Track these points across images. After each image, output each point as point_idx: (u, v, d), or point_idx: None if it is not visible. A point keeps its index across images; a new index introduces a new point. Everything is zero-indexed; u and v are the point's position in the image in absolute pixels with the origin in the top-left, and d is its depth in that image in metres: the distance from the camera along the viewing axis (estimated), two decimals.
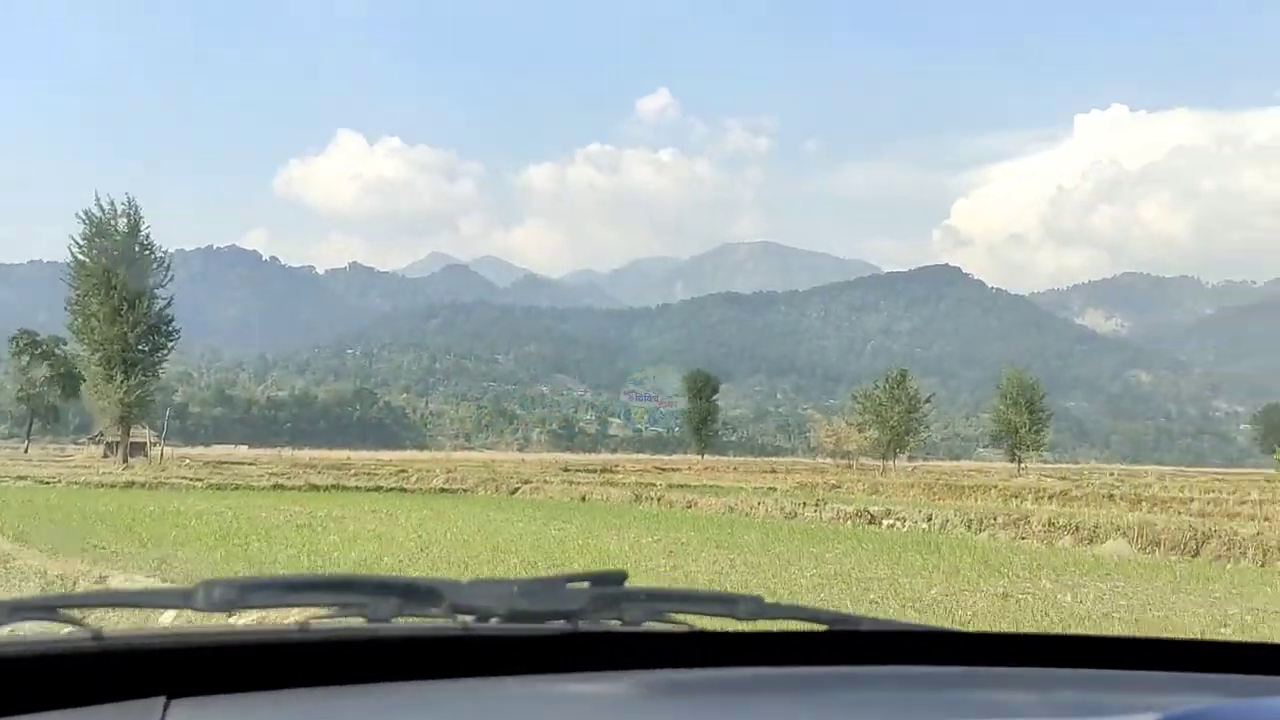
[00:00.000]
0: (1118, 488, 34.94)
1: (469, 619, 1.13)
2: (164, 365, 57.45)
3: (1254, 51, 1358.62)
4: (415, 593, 1.13)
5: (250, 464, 59.11)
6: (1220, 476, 76.33)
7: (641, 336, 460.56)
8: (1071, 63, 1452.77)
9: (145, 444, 69.50)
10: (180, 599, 1.09)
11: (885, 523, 21.59)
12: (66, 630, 1.02)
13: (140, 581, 8.46)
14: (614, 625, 1.18)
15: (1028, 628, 9.16)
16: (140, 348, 52.45)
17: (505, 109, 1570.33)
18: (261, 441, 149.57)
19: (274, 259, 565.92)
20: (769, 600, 1.18)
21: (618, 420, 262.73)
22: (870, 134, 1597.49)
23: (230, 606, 1.08)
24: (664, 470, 64.06)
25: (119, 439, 57.63)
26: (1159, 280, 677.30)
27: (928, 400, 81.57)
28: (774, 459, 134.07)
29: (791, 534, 18.62)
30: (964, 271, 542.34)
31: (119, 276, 50.46)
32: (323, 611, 1.14)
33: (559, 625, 1.13)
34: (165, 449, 74.61)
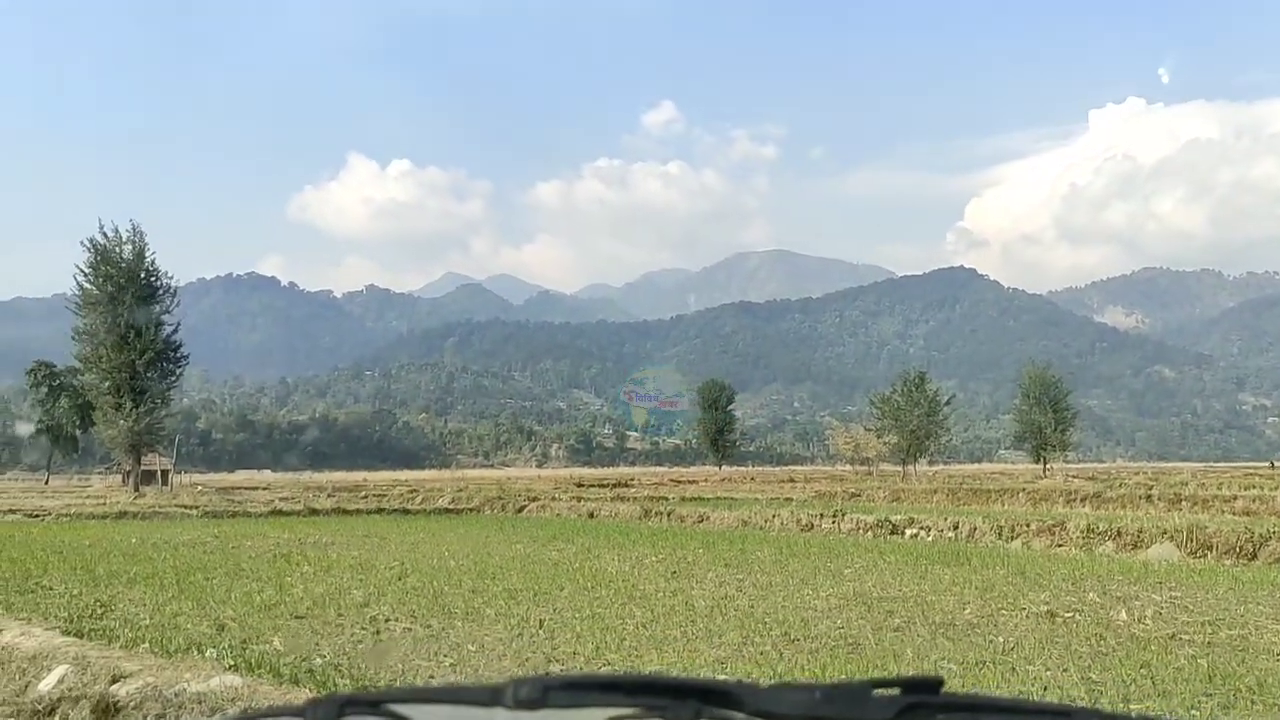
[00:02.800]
0: (1152, 487, 33.34)
1: None
2: (174, 392, 56.48)
3: (1270, 40, 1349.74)
4: (713, 695, 1.10)
5: (264, 489, 58.16)
6: (1254, 471, 74.33)
7: (656, 349, 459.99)
8: (1085, 57, 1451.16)
9: (157, 471, 68.73)
10: (489, 695, 1.12)
11: (909, 533, 20.32)
12: None
13: (37, 634, 7.22)
14: None
15: (1083, 653, 7.81)
16: (149, 375, 51.45)
17: (511, 127, 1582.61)
18: (284, 465, 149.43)
19: (292, 284, 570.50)
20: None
21: (635, 433, 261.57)
22: (879, 137, 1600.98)
23: (534, 705, 1.10)
24: (680, 483, 62.90)
25: (132, 467, 56.85)
26: (1179, 275, 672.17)
27: (947, 402, 79.89)
28: (793, 468, 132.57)
29: (808, 548, 17.35)
30: (979, 273, 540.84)
31: (124, 304, 49.61)
32: (625, 712, 1.13)
33: None
34: (181, 476, 73.96)
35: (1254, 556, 15.05)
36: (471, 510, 32.66)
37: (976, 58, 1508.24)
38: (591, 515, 28.52)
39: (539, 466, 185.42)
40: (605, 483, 59.17)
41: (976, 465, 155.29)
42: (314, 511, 30.77)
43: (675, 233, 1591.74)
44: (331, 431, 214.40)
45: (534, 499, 33.71)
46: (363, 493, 44.04)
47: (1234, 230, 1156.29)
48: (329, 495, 40.29)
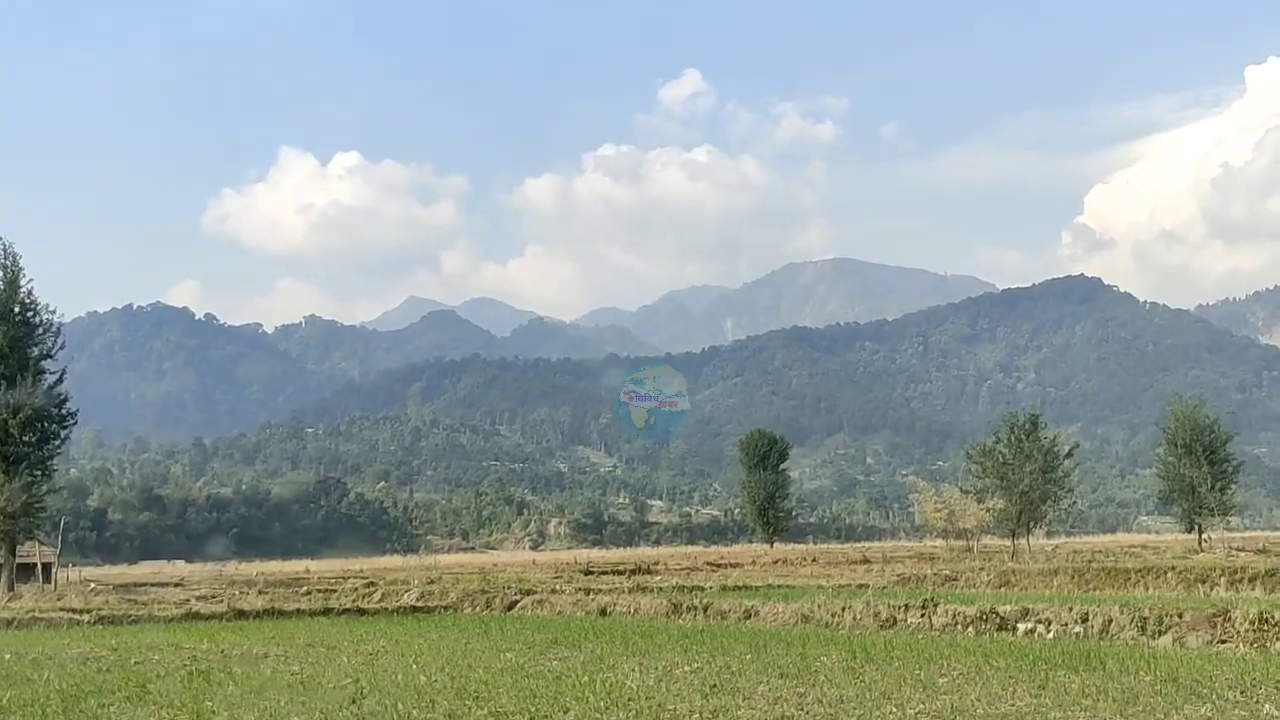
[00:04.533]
0: None
1: None
2: (57, 460, 56.95)
3: None
4: None
5: (176, 585, 58.52)
6: None
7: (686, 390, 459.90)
8: None
9: (37, 565, 69.02)
10: None
11: (1021, 628, 20.21)
12: None
13: None
14: None
15: None
16: (24, 439, 51.90)
17: (491, 106, 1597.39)
18: (202, 554, 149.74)
19: (210, 317, 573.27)
20: None
21: (660, 503, 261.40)
22: (972, 108, 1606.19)
23: None
24: (719, 567, 62.93)
25: (3, 561, 57.09)
26: None
27: (1069, 454, 79.58)
28: (867, 544, 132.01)
29: (890, 651, 17.27)
30: (1105, 283, 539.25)
31: None
32: None
33: None
34: (68, 571, 74.29)
35: None
36: (447, 608, 32.66)
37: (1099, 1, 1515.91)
38: (604, 612, 28.45)
39: (534, 548, 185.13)
40: (621, 568, 59.25)
41: (1110, 536, 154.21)
42: (241, 614, 30.91)
43: (706, 239, 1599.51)
44: (263, 508, 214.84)
45: (528, 591, 33.72)
46: (304, 587, 44.16)
47: None
48: (260, 592, 40.40)
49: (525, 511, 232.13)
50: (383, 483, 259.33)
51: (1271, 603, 20.66)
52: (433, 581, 44.17)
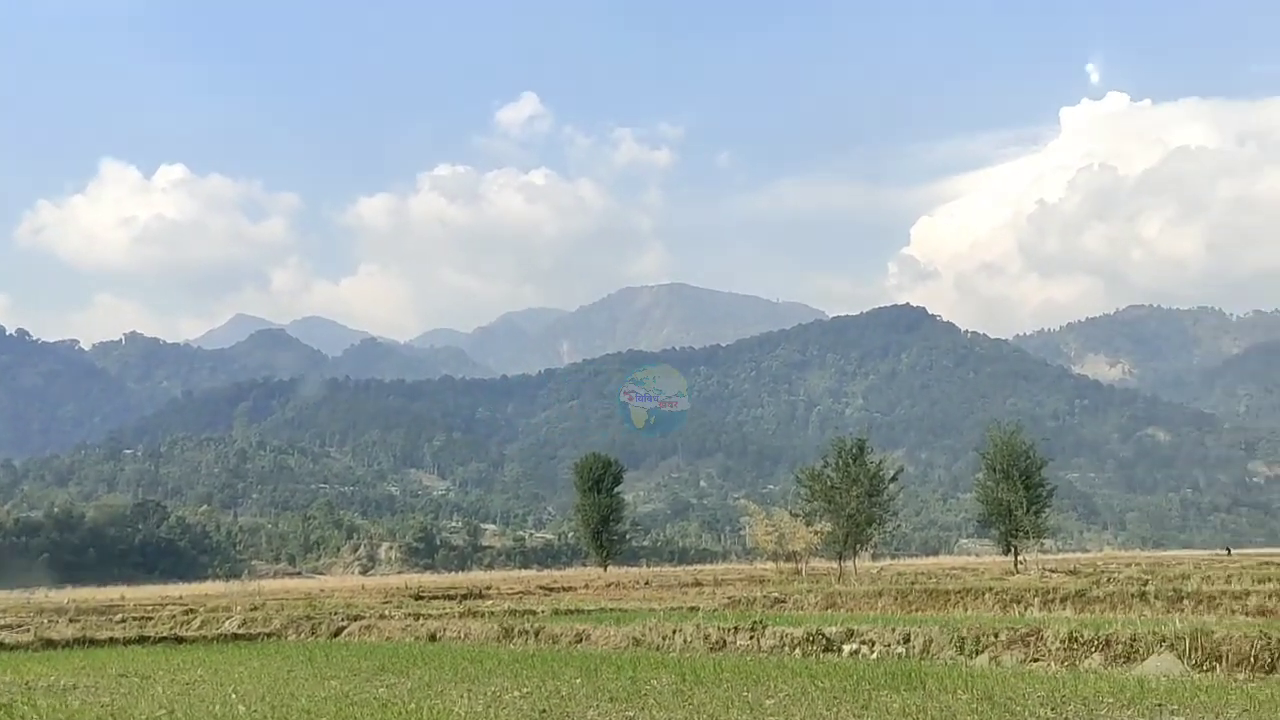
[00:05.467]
0: (1147, 581, 34.72)
1: None
2: None
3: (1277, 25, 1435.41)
4: None
5: None
6: (1271, 560, 78.01)
7: (520, 412, 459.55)
8: (1058, 42, 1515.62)
9: None
10: None
11: (847, 649, 20.67)
12: None
13: None
14: None
15: None
16: None
17: (324, 122, 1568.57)
18: (10, 579, 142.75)
19: (22, 333, 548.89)
20: None
21: (493, 526, 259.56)
22: (804, 141, 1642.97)
23: None
24: (552, 590, 62.82)
25: None
26: (1171, 314, 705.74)
27: (894, 478, 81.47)
28: (699, 567, 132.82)
29: (719, 674, 17.43)
30: (930, 312, 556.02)
31: None
32: None
33: None
34: None
35: (1272, 669, 15.71)
36: (270, 635, 32.09)
37: (927, 40, 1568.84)
38: (434, 637, 28.30)
39: (364, 573, 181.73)
40: (453, 593, 58.58)
41: (932, 559, 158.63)
42: (49, 643, 29.81)
43: (542, 262, 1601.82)
44: (77, 532, 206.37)
45: (356, 617, 33.18)
46: (119, 615, 42.60)
47: (1236, 259, 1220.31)
48: (71, 620, 38.91)
49: (355, 535, 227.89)
50: (205, 506, 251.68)
51: (1081, 622, 21.54)
52: (256, 608, 43.04)
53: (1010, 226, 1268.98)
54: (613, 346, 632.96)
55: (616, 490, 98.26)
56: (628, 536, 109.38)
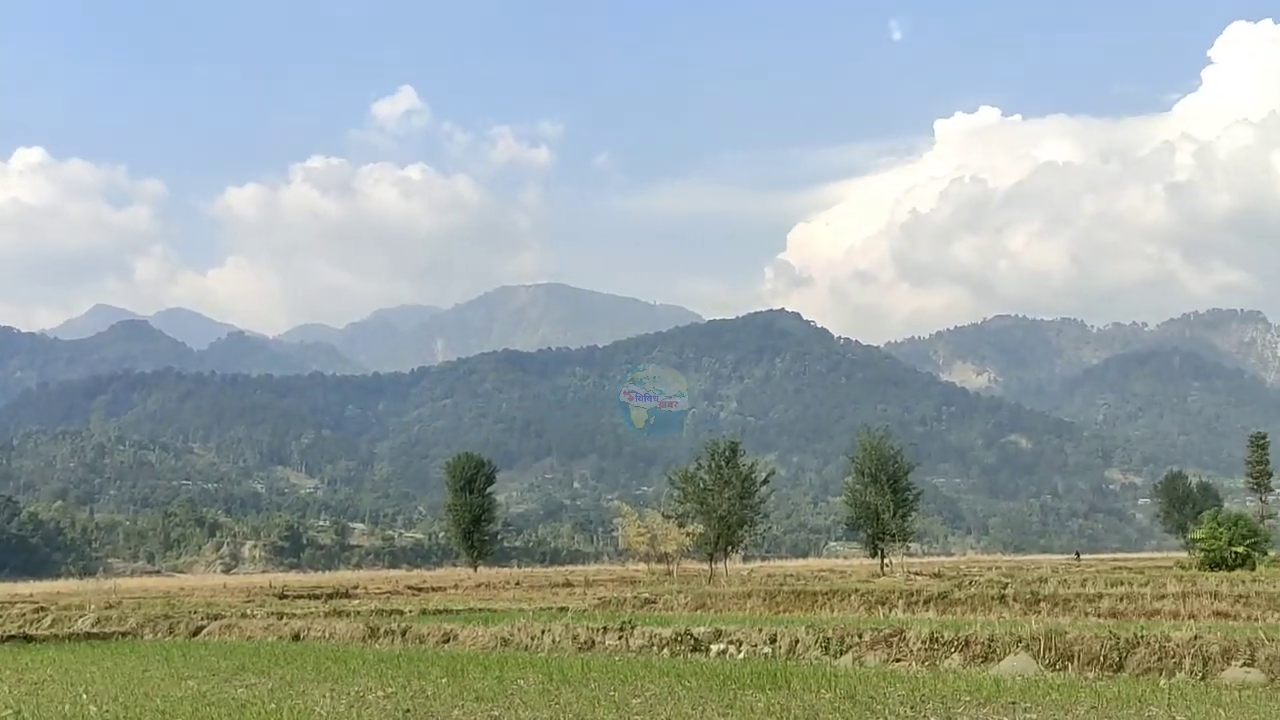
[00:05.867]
0: (1006, 585, 35.72)
1: None
2: None
3: (1148, 45, 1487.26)
4: None
5: None
6: (1123, 564, 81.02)
7: (392, 410, 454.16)
8: (936, 56, 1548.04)
9: None
10: None
11: (714, 649, 20.88)
12: None
13: None
14: None
15: None
16: None
17: (192, 109, 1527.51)
18: None
19: None
20: None
21: (362, 525, 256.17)
22: (684, 144, 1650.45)
23: None
24: (421, 591, 62.42)
25: None
26: (1036, 324, 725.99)
27: (765, 481, 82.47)
28: (571, 568, 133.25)
29: (587, 673, 17.46)
30: (804, 318, 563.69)
31: None
32: None
33: None
34: None
35: (1120, 667, 16.32)
36: (125, 634, 31.37)
37: (808, 45, 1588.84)
38: (297, 637, 27.93)
39: (227, 572, 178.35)
40: (319, 592, 57.82)
41: (802, 561, 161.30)
42: None
43: (418, 258, 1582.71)
44: None
45: (216, 616, 32.58)
46: None
47: (1097, 273, 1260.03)
48: None
49: (218, 533, 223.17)
50: (60, 501, 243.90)
51: (942, 623, 22.09)
52: (111, 606, 41.96)
53: (884, 235, 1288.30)
54: (488, 345, 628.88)
55: (489, 490, 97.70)
56: (499, 537, 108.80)
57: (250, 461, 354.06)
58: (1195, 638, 16.27)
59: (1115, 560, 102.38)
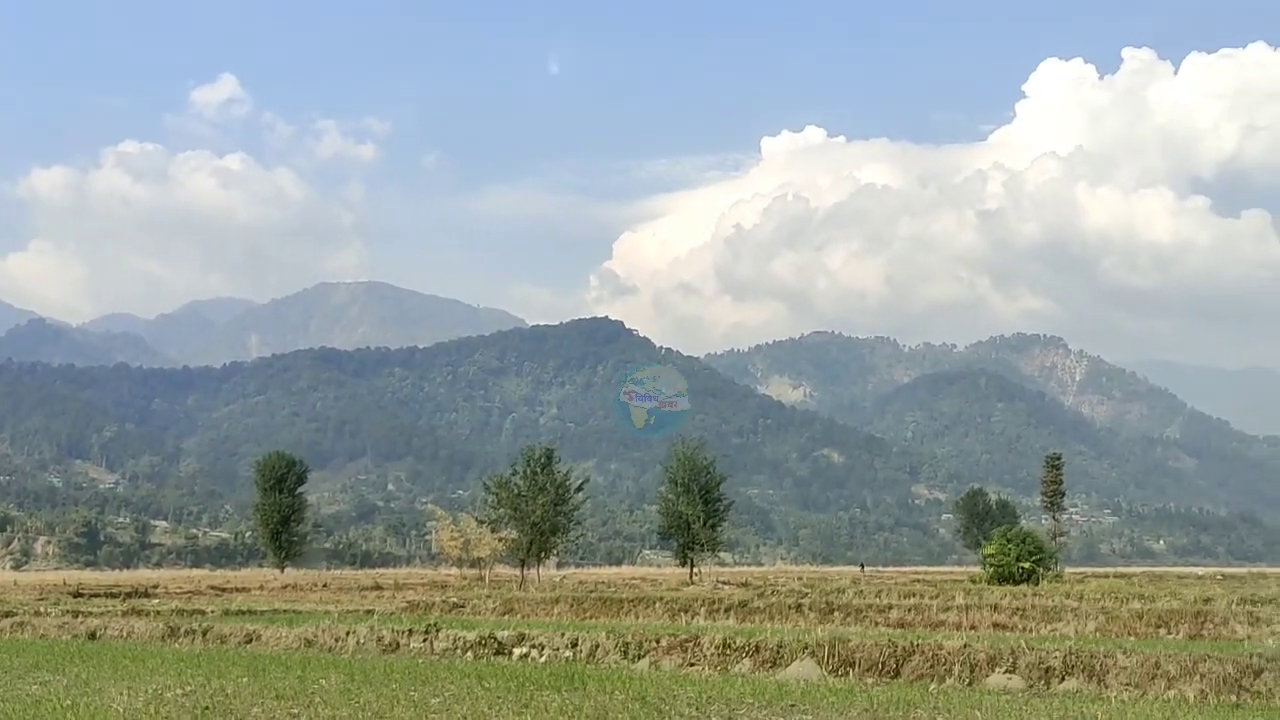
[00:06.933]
0: (806, 595, 37.07)
1: None
2: None
3: (964, 74, 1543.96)
4: None
5: None
6: (921, 577, 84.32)
7: (201, 405, 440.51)
8: (767, 74, 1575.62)
9: None
10: None
11: (517, 652, 21.42)
12: None
13: None
14: None
15: None
16: None
17: None
18: None
19: None
20: None
21: (165, 523, 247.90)
22: (514, 148, 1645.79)
23: None
24: (225, 591, 61.30)
25: None
26: (851, 342, 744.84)
27: (580, 488, 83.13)
28: (381, 570, 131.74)
29: (389, 674, 17.77)
30: (627, 326, 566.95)
31: None
32: None
33: None
34: None
35: (897, 673, 17.46)
36: None
37: (642, 56, 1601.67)
38: (94, 635, 27.43)
39: (17, 568, 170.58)
40: (117, 591, 56.23)
41: (616, 569, 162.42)
42: None
43: (234, 251, 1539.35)
44: None
45: (8, 614, 31.69)
46: None
47: (910, 294, 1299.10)
48: None
49: (9, 528, 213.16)
50: None
51: (737, 630, 23.08)
52: None
53: (708, 248, 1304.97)
54: (305, 343, 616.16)
55: (299, 490, 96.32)
56: (309, 538, 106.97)
57: (47, 454, 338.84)
58: (965, 646, 17.50)
59: (915, 573, 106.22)
